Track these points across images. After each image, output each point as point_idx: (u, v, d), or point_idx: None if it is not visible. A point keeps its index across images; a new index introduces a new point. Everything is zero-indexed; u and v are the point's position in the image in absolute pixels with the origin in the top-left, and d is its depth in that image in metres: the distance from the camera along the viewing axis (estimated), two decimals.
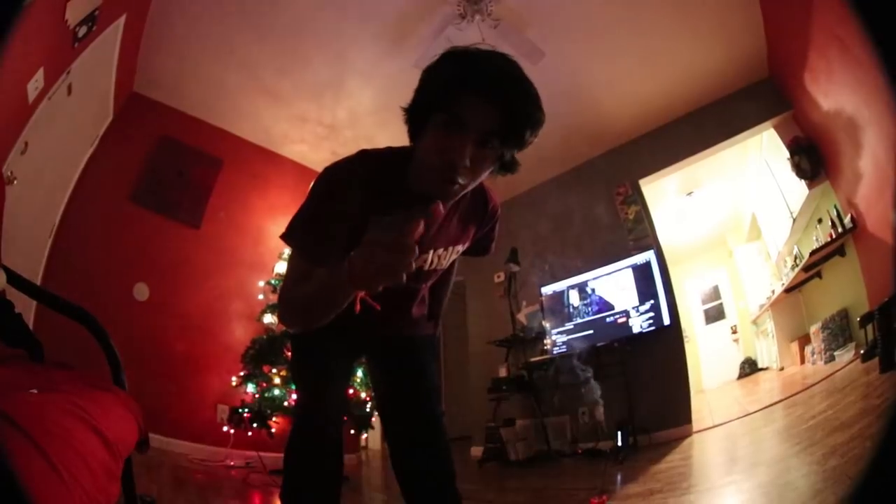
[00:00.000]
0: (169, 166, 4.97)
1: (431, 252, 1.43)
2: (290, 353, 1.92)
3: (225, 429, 4.40)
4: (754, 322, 8.20)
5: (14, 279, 1.42)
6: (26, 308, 1.52)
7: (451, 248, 1.49)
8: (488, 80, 1.09)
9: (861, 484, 0.90)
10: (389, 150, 1.35)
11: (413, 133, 1.23)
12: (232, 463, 4.30)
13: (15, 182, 2.70)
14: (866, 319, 3.54)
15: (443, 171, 1.14)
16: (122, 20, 3.66)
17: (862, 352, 3.67)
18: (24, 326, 1.34)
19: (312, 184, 1.32)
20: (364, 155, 1.32)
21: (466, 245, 1.57)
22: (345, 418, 3.86)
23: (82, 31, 3.10)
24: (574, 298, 5.45)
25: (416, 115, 1.20)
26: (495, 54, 1.13)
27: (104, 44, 3.58)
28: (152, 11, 3.99)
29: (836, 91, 3.72)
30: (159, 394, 4.17)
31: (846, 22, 2.92)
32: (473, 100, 1.08)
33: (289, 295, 1.28)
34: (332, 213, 1.25)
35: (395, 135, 1.34)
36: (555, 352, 5.37)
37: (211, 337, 4.90)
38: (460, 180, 1.15)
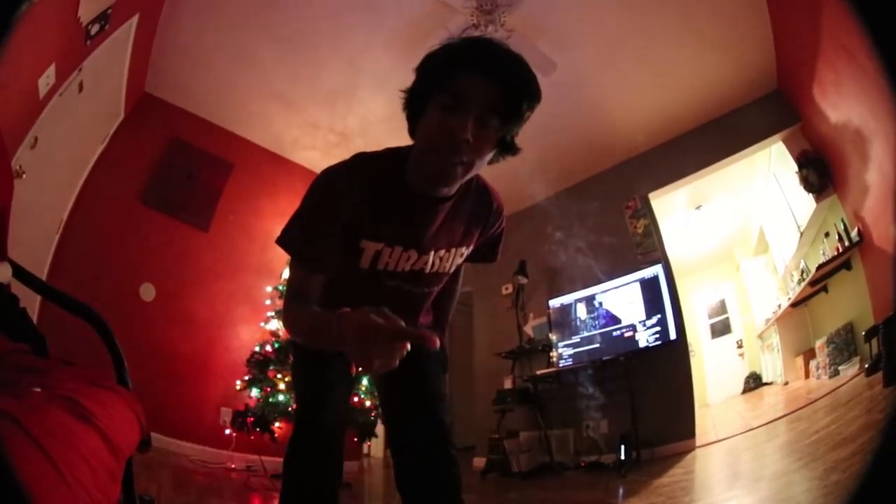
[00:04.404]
0: (179, 168, 5.00)
1: (433, 253, 1.41)
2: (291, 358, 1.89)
3: (227, 432, 4.41)
4: (760, 336, 8.14)
5: (20, 273, 1.41)
6: (31, 303, 1.52)
7: (453, 251, 1.46)
8: (485, 58, 1.15)
9: (855, 499, 0.89)
10: (387, 151, 1.37)
11: (412, 119, 1.25)
12: (233, 466, 4.30)
13: (24, 176, 2.72)
14: (871, 333, 3.52)
15: (444, 148, 1.15)
16: (134, 19, 3.68)
17: (866, 366, 3.64)
18: (29, 321, 1.34)
19: (309, 186, 1.33)
20: (360, 157, 1.34)
21: (470, 248, 1.53)
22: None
23: (95, 28, 3.12)
24: (581, 312, 5.43)
25: (415, 97, 1.22)
26: (491, 39, 1.19)
27: (116, 43, 3.61)
28: (165, 12, 4.02)
29: (844, 103, 3.70)
30: (162, 394, 4.19)
31: (853, 32, 2.90)
32: (472, 77, 1.13)
33: (286, 310, 1.31)
34: (326, 215, 1.27)
35: (406, 143, 1.35)
36: (561, 364, 5.34)
37: (216, 340, 4.90)
38: (464, 158, 1.16)
